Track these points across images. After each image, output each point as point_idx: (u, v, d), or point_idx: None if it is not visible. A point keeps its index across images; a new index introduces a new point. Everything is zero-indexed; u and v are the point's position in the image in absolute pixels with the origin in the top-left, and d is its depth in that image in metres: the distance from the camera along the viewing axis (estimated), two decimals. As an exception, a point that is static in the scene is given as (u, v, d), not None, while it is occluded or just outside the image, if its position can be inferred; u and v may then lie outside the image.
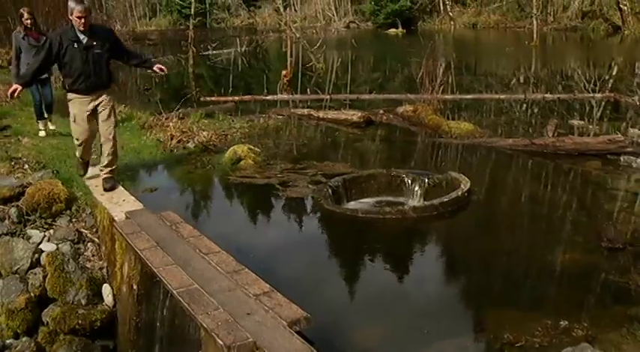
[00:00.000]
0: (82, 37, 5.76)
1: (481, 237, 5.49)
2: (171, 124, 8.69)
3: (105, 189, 6.04)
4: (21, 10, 8.18)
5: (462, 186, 6.07)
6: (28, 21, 8.09)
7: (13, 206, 5.77)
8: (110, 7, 33.79)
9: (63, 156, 7.24)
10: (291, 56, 16.65)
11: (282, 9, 29.66)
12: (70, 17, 5.67)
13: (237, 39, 27.67)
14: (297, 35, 19.66)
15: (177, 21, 55.36)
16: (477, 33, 35.77)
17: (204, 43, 26.64)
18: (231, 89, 13.62)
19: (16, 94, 5.74)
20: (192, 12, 23.90)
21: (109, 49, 5.96)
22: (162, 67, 6.32)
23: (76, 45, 5.73)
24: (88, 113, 5.98)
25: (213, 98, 12.93)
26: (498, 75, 17.26)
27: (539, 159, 7.70)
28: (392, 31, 39.12)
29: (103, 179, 6.15)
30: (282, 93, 13.70)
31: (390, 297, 4.38)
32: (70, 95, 5.98)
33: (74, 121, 6.03)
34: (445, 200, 5.81)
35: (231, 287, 3.82)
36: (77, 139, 6.14)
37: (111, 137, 6.05)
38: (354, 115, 10.05)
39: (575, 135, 8.54)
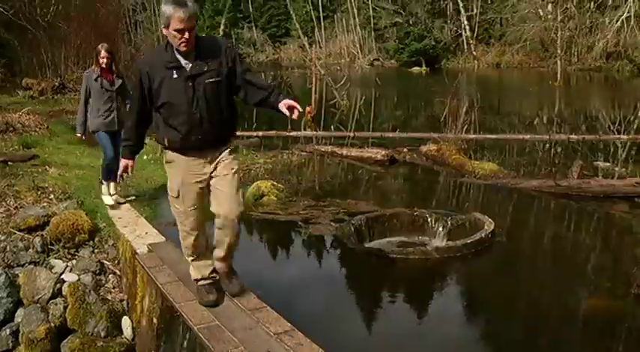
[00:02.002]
0: (184, 61, 3.67)
1: (504, 279, 5.41)
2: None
3: (233, 294, 4.15)
4: (98, 47, 6.60)
5: (486, 227, 6.01)
6: (105, 60, 6.46)
7: (37, 235, 5.82)
8: (139, 41, 34.45)
9: (88, 186, 7.31)
10: (315, 93, 16.79)
11: (307, 45, 30.02)
12: (165, 32, 3.62)
13: (262, 74, 28.03)
14: (322, 72, 19.84)
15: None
16: (501, 72, 35.84)
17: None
18: (255, 124, 13.74)
19: (129, 170, 4.05)
20: (219, 47, 24.10)
21: (228, 75, 3.74)
22: (295, 104, 3.70)
23: (175, 74, 3.65)
24: (200, 185, 3.83)
25: (237, 132, 13.01)
26: (522, 115, 17.22)
27: (564, 201, 7.62)
28: (416, 69, 39.40)
29: (225, 277, 4.18)
30: (305, 130, 13.78)
31: (410, 338, 4.32)
32: (169, 155, 3.84)
33: (176, 197, 3.84)
34: (469, 241, 5.75)
35: (252, 325, 3.78)
36: (183, 227, 3.94)
37: (235, 220, 3.84)
38: (378, 153, 10.07)
39: (600, 177, 8.44)
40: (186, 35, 3.52)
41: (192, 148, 3.74)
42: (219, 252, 4.01)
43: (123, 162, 4.01)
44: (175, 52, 3.64)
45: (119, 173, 4.07)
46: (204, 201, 3.88)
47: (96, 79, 6.48)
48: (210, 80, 3.65)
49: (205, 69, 3.64)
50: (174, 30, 3.50)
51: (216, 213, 3.82)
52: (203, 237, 4.00)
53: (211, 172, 3.82)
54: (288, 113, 3.63)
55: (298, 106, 3.65)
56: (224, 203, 3.79)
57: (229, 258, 4.07)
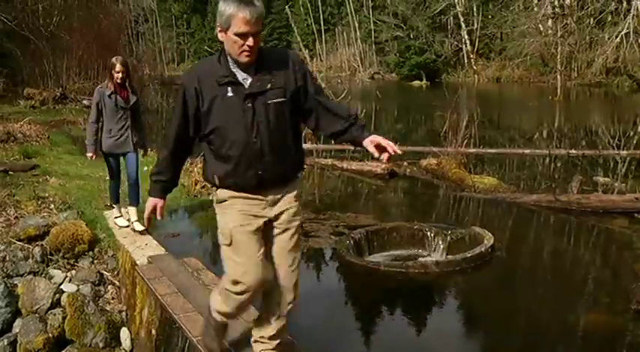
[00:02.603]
0: (241, 75, 2.87)
1: (503, 294, 5.41)
2: (195, 169, 8.77)
3: None
4: (112, 60, 5.93)
5: (485, 241, 6.01)
6: (120, 74, 5.83)
7: (37, 245, 5.82)
8: (140, 52, 34.60)
9: (89, 197, 7.33)
10: (315, 105, 16.79)
11: (308, 58, 30.17)
12: (221, 36, 2.82)
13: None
14: (323, 85, 19.91)
15: (204, 67, 56.62)
16: (501, 87, 35.96)
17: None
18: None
19: (158, 213, 3.11)
20: (220, 59, 24.21)
21: (296, 95, 2.94)
22: (387, 143, 2.82)
23: (230, 91, 2.85)
24: (260, 232, 3.01)
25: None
26: (522, 129, 17.26)
27: (563, 215, 7.62)
28: (416, 83, 39.56)
29: None
30: (306, 143, 13.79)
31: (410, 353, 4.31)
32: (220, 194, 3.04)
33: (229, 245, 3.01)
34: (468, 255, 5.76)
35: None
36: (233, 281, 3.02)
37: (294, 280, 3.13)
38: (378, 167, 10.09)
39: (600, 192, 8.45)
40: (250, 41, 2.73)
41: (250, 186, 2.93)
42: (270, 326, 3.21)
43: (151, 201, 3.07)
44: (231, 64, 2.85)
45: (145, 215, 3.12)
46: (262, 252, 2.99)
47: (110, 96, 5.87)
48: (275, 100, 2.84)
49: (269, 86, 2.83)
50: (236, 34, 2.73)
51: (275, 268, 3.06)
52: (251, 299, 3.06)
53: (273, 217, 3.01)
54: (377, 153, 2.81)
55: (393, 146, 2.78)
56: (283, 257, 3.06)
57: (282, 333, 3.28)
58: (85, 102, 18.56)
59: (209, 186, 3.23)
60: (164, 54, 57.87)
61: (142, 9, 53.78)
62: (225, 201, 3.00)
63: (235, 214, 2.97)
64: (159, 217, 3.09)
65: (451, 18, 42.71)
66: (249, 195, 2.96)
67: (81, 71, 21.17)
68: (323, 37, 51.21)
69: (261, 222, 2.97)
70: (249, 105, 2.83)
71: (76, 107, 17.93)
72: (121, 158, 6.16)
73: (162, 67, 48.86)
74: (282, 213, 3.01)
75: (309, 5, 52.84)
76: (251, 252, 2.95)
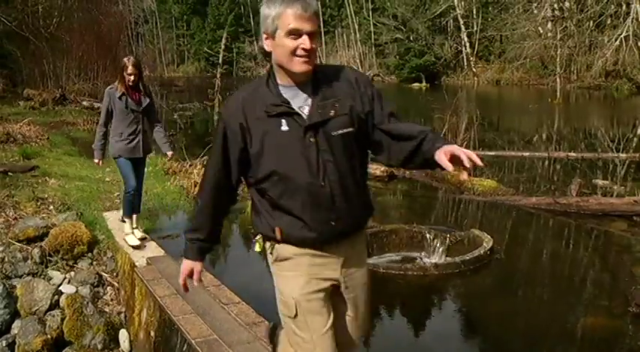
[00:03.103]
0: (296, 101, 2.30)
1: (502, 296, 5.41)
2: (195, 171, 8.78)
3: None
4: (124, 61, 5.60)
5: (485, 244, 6.02)
6: (132, 76, 5.50)
7: (36, 246, 5.82)
8: (140, 53, 34.64)
9: (88, 198, 7.33)
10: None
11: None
12: (268, 45, 2.27)
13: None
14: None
15: (204, 68, 56.82)
16: (500, 89, 36.00)
17: (230, 91, 27.10)
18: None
19: (196, 278, 2.55)
20: (220, 60, 24.36)
21: (364, 122, 2.35)
22: (463, 152, 2.07)
23: (285, 124, 2.27)
24: (326, 298, 2.45)
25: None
26: (521, 132, 17.28)
27: (563, 218, 7.63)
28: (416, 85, 39.61)
29: None
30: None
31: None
32: (282, 250, 2.42)
33: (294, 317, 2.44)
34: (467, 258, 5.76)
35: (250, 339, 3.78)
36: None
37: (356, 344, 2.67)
38: (377, 169, 10.08)
39: (599, 195, 8.46)
40: (306, 42, 2.14)
41: (320, 240, 2.34)
42: None
43: (187, 264, 2.53)
44: (282, 88, 2.27)
45: (181, 281, 2.55)
46: (329, 319, 2.43)
47: (120, 98, 5.54)
48: (340, 131, 2.25)
49: (332, 113, 2.24)
50: (287, 34, 2.14)
51: (338, 334, 2.49)
52: None
53: (343, 278, 2.44)
54: (450, 167, 2.06)
55: (472, 155, 2.04)
56: (350, 324, 2.56)
57: None
58: (84, 102, 18.58)
59: (261, 239, 2.48)
60: (164, 55, 58.02)
61: (142, 10, 53.92)
62: (288, 259, 2.39)
63: (301, 278, 2.38)
64: (196, 283, 2.55)
65: (451, 20, 42.76)
66: (318, 252, 2.37)
67: (81, 72, 21.19)
68: (323, 38, 51.26)
69: (329, 284, 2.41)
70: (312, 140, 2.23)
71: (75, 108, 17.94)
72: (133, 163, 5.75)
73: (162, 69, 49.01)
74: (353, 272, 2.45)
75: (309, 7, 52.84)
76: (319, 325, 2.40)
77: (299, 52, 2.17)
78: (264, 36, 2.25)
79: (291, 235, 2.34)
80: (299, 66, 2.20)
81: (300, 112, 2.25)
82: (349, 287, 2.46)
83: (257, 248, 2.51)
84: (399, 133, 2.30)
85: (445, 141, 2.18)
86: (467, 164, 2.04)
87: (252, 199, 2.45)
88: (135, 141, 5.64)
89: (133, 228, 5.91)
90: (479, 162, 2.03)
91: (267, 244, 2.44)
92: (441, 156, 2.08)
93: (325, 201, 2.28)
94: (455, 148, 2.08)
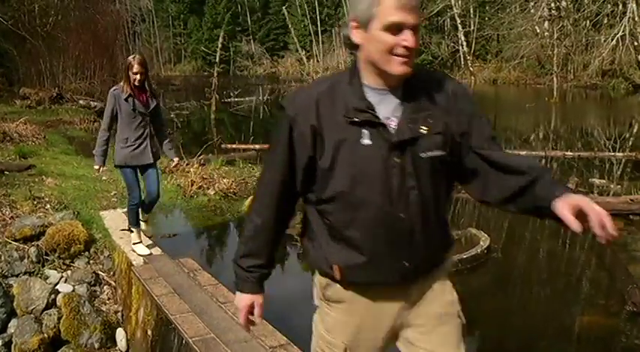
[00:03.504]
0: (383, 109, 1.79)
1: (499, 295, 5.42)
2: (192, 170, 8.77)
3: None
4: (129, 59, 5.20)
5: (482, 243, 6.03)
6: (138, 76, 5.10)
7: (33, 245, 5.82)
8: (137, 52, 34.66)
9: (84, 197, 7.32)
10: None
11: (305, 59, 30.21)
12: (358, 38, 1.79)
13: (260, 87, 28.18)
14: (319, 85, 19.89)
15: (201, 67, 56.73)
16: (497, 88, 36.01)
17: (227, 90, 27.14)
18: (252, 137, 13.77)
19: (257, 314, 2.05)
20: (217, 59, 24.35)
21: (456, 146, 1.84)
22: (606, 220, 1.53)
23: (367, 137, 1.77)
24: (384, 343, 2.02)
25: (234, 145, 13.09)
26: (518, 131, 17.30)
27: (560, 217, 7.63)
28: (412, 84, 39.55)
29: None
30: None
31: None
32: (336, 290, 1.96)
33: None
34: (464, 257, 5.76)
35: (247, 338, 3.78)
36: None
37: None
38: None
39: (595, 194, 8.47)
40: (408, 38, 1.70)
41: (388, 282, 1.88)
42: None
43: (245, 299, 2.01)
44: (367, 89, 1.80)
45: (242, 320, 2.07)
46: None
47: (126, 100, 5.12)
48: (431, 153, 1.79)
49: (424, 130, 1.78)
50: (385, 28, 1.69)
51: None
52: None
53: (409, 319, 1.98)
54: (577, 227, 1.58)
55: (605, 217, 1.55)
56: None
57: None
58: (81, 101, 18.54)
59: (320, 274, 2.00)
60: (161, 54, 57.91)
61: (138, 9, 53.85)
62: (343, 302, 1.96)
63: (356, 323, 1.95)
64: (258, 320, 2.06)
65: (448, 19, 42.78)
66: (381, 294, 1.92)
67: (77, 71, 21.16)
68: (320, 38, 51.23)
69: (389, 328, 1.97)
70: (397, 160, 1.77)
71: (72, 107, 17.90)
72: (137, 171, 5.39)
73: (158, 68, 48.94)
74: (426, 310, 1.98)
75: (305, 6, 52.88)
76: None
77: (399, 50, 1.72)
78: (353, 23, 1.78)
79: (353, 276, 1.88)
80: (397, 67, 1.73)
81: (387, 123, 1.77)
82: (422, 326, 1.98)
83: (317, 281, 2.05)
84: (505, 164, 1.81)
85: (566, 188, 1.74)
86: (598, 231, 1.54)
87: (305, 218, 1.99)
88: (142, 147, 5.23)
89: (142, 225, 5.63)
90: (613, 231, 1.54)
91: (322, 280, 1.98)
92: (564, 211, 1.60)
93: (402, 237, 1.82)
94: (584, 202, 1.60)
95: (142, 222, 5.59)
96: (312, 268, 2.02)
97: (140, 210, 5.51)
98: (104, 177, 8.55)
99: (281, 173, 1.89)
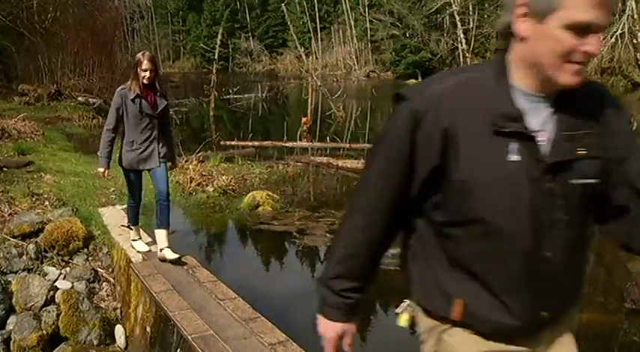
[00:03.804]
0: (535, 120, 1.41)
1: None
2: (190, 167, 8.76)
3: None
4: (138, 56, 4.87)
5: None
6: (147, 73, 4.76)
7: (31, 242, 5.81)
8: (136, 49, 34.56)
9: (83, 193, 7.31)
10: (311, 103, 16.86)
11: (304, 56, 30.17)
12: (525, 29, 1.38)
13: (259, 84, 28.13)
14: (318, 83, 19.92)
15: (200, 64, 56.71)
16: (496, 86, 36.04)
17: (226, 86, 27.10)
18: (251, 134, 13.75)
19: (347, 343, 1.68)
20: (216, 56, 24.30)
21: (608, 173, 1.47)
22: None
23: (515, 152, 1.39)
24: None
25: (233, 142, 13.08)
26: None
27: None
28: (411, 81, 39.52)
29: None
30: (301, 140, 13.81)
31: (407, 348, 4.31)
32: (452, 336, 1.53)
33: None
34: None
35: (247, 335, 3.78)
36: None
37: None
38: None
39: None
40: (593, 46, 1.34)
41: (519, 331, 1.51)
42: None
43: (336, 328, 1.68)
44: (519, 93, 1.44)
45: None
46: None
47: (134, 100, 4.81)
48: (582, 181, 1.46)
49: (581, 152, 1.45)
50: (569, 26, 1.32)
51: None
52: None
53: None
54: None
55: None
56: None
57: None
58: (80, 98, 18.52)
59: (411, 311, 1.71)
60: (159, 51, 57.85)
61: (137, 6, 53.71)
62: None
63: None
64: (348, 350, 1.70)
65: (447, 17, 42.80)
66: (509, 347, 1.53)
67: (76, 68, 21.10)
68: (319, 35, 51.23)
69: None
70: (549, 185, 1.43)
71: (71, 104, 17.86)
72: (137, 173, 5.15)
73: (157, 64, 48.75)
74: None
75: (304, 3, 52.85)
76: None
77: (577, 56, 1.35)
78: (522, 9, 1.38)
79: (480, 318, 1.49)
80: (569, 77, 1.37)
81: (538, 139, 1.42)
82: None
83: (402, 322, 1.73)
84: None
85: None
86: None
87: (412, 238, 1.63)
88: (149, 150, 4.94)
89: (164, 248, 5.07)
90: None
91: (427, 322, 1.60)
92: None
93: (545, 279, 1.47)
94: None
95: (166, 250, 5.04)
96: (418, 303, 1.64)
97: (159, 229, 5.09)
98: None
99: (397, 178, 1.50)
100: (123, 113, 4.86)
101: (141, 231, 5.54)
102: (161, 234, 5.08)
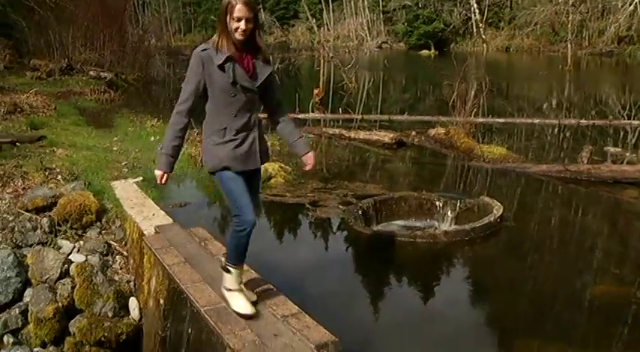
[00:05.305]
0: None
1: (512, 263, 5.39)
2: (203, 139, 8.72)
3: None
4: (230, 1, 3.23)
5: (495, 211, 5.97)
6: (243, 25, 3.24)
7: (45, 216, 5.83)
8: (146, 22, 34.31)
9: (95, 167, 7.31)
10: (323, 75, 16.71)
11: (315, 28, 29.85)
12: None
13: (270, 56, 27.88)
14: (330, 54, 19.73)
15: (210, 37, 56.27)
16: (510, 56, 35.56)
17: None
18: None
19: None
20: (227, 29, 23.94)
21: None
22: None
23: None
24: None
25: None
26: (531, 99, 17.10)
27: (573, 186, 7.56)
28: (424, 52, 39.21)
29: None
30: (313, 112, 13.72)
31: (418, 321, 4.32)
32: None
33: None
34: (477, 225, 5.72)
35: (259, 307, 3.77)
36: None
37: None
38: (386, 136, 10.03)
39: (610, 163, 8.36)
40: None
41: None
42: None
43: None
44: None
45: None
46: None
47: (223, 66, 3.30)
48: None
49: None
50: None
51: None
52: None
53: None
54: None
55: None
56: None
57: None
58: (91, 72, 18.48)
59: None
60: (170, 24, 57.41)
61: (147, -22, 53.23)
62: None
63: None
64: None
65: (460, -14, 42.10)
66: None
67: (87, 42, 21.03)
68: (330, 6, 50.58)
69: None
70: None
71: (82, 78, 17.83)
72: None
73: (168, 38, 48.50)
74: None
75: (316, -26, 52.17)
76: None
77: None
78: None
79: None
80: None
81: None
82: None
83: None
84: None
85: None
86: None
87: None
88: (247, 143, 3.48)
89: (241, 284, 3.68)
90: None
91: None
92: None
93: None
94: None
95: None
96: None
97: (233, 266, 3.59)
98: (115, 148, 8.55)
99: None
100: (206, 85, 3.38)
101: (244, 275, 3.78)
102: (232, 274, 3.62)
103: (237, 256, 3.55)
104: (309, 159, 3.77)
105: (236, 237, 3.49)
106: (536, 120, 12.35)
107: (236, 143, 3.42)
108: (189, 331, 4.10)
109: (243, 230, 3.43)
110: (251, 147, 3.48)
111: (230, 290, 3.61)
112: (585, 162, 8.32)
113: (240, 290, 3.60)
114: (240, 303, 3.55)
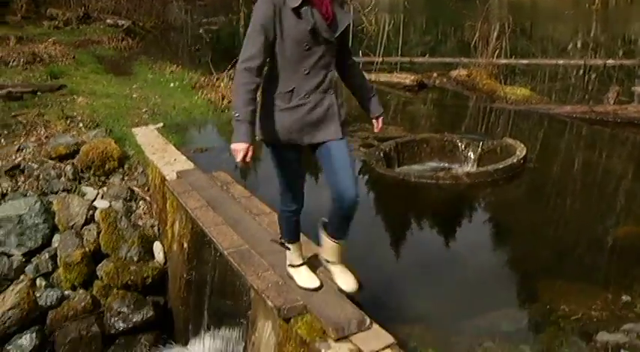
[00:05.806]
0: None
1: (535, 205, 5.34)
2: (222, 84, 8.68)
3: None
4: None
5: (518, 153, 5.89)
6: None
7: (68, 163, 5.90)
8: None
9: (116, 114, 7.32)
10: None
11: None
12: None
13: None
14: (349, -3, 19.31)
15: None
16: (535, -5, 34.53)
17: (255, 2, 26.44)
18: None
19: None
20: (244, -28, 23.59)
21: None
22: None
23: None
24: None
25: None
26: (555, 39, 16.66)
27: (599, 127, 7.43)
28: (445, -7, 38.19)
29: None
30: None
31: (440, 264, 4.31)
32: None
33: None
34: (500, 166, 5.66)
35: (282, 249, 3.80)
36: None
37: None
38: (407, 78, 9.88)
39: (637, 103, 8.18)
40: None
41: None
42: None
43: None
44: None
45: None
46: None
47: (298, 11, 2.73)
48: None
49: None
50: None
51: None
52: None
53: None
54: None
55: None
56: None
57: None
58: (108, 21, 18.33)
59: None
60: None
61: None
62: None
63: None
64: None
65: None
66: None
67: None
68: (349, -53, 49.33)
69: None
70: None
71: (100, 26, 17.69)
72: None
73: (184, -17, 47.76)
74: None
75: None
76: None
77: None
78: None
79: None
80: None
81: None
82: None
83: None
84: None
85: None
86: None
87: None
88: (322, 108, 2.94)
89: (330, 262, 3.34)
90: None
91: None
92: None
93: None
94: None
95: (330, 241, 3.28)
96: None
97: (331, 239, 3.25)
98: (134, 95, 8.53)
99: None
100: (276, 35, 2.78)
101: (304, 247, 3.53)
102: (331, 248, 3.28)
103: (289, 233, 3.33)
104: (379, 123, 3.49)
105: (284, 217, 3.31)
106: (561, 61, 12.06)
107: (307, 108, 2.86)
108: (214, 273, 4.16)
109: (290, 211, 3.24)
110: (327, 113, 2.92)
111: (292, 266, 3.37)
112: (612, 102, 8.14)
113: (303, 265, 3.36)
114: (304, 278, 3.30)
